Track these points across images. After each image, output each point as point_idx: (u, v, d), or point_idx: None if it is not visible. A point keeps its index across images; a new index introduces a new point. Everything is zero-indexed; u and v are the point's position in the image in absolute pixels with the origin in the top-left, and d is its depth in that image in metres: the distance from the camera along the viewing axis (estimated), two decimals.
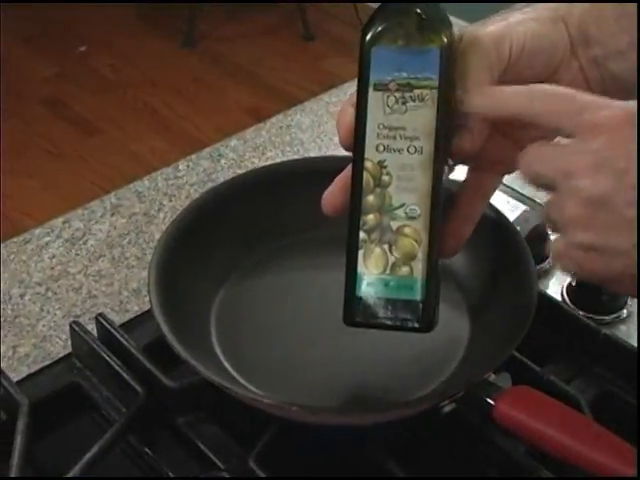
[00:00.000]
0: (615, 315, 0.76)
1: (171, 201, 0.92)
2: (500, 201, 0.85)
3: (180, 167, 0.97)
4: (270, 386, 0.63)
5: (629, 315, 0.76)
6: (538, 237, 0.79)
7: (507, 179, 0.92)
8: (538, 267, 0.77)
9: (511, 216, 0.73)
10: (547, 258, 0.80)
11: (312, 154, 0.98)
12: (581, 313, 0.74)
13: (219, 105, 2.85)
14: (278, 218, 0.74)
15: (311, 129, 1.03)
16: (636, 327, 0.75)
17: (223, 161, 0.98)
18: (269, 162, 0.95)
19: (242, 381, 0.64)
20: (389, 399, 0.64)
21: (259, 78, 2.98)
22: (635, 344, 0.71)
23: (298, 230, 0.74)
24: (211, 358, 0.65)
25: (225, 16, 3.25)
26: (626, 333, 0.74)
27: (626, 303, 0.76)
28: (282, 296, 0.72)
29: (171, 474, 0.64)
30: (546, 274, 0.79)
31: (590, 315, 0.75)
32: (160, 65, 3.05)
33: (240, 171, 0.94)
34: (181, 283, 0.68)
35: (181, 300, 0.66)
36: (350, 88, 1.11)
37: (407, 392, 0.63)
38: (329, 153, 0.98)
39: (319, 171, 0.75)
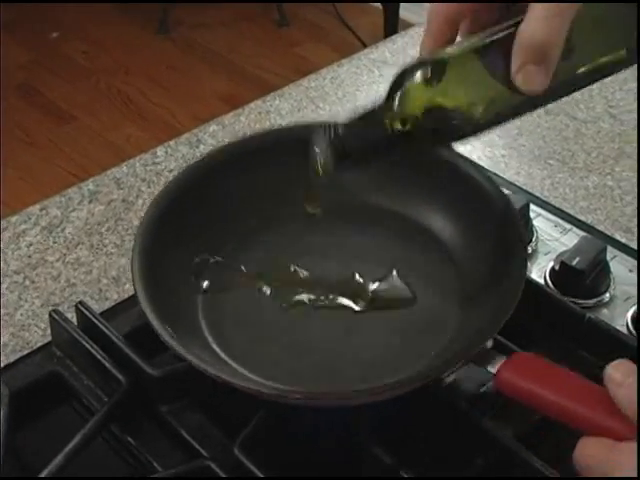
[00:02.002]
0: (598, 299, 0.76)
1: (150, 187, 0.91)
2: None
3: (158, 153, 0.96)
4: (258, 369, 0.63)
5: (611, 299, 0.76)
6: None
7: (489, 164, 0.91)
8: None
9: None
10: (529, 242, 0.80)
11: None
12: (564, 297, 0.74)
13: (194, 92, 2.84)
14: (257, 193, 0.73)
15: (290, 114, 1.02)
16: (619, 311, 0.75)
17: (202, 147, 0.97)
18: None
19: (234, 365, 0.63)
20: (375, 381, 0.63)
21: (234, 65, 2.96)
22: (619, 327, 0.71)
23: (279, 204, 0.72)
24: (200, 343, 0.65)
25: (200, 3, 3.23)
26: (609, 317, 0.74)
27: (609, 287, 0.76)
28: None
29: (155, 463, 0.63)
30: (529, 258, 0.79)
31: (573, 299, 0.75)
32: (134, 52, 3.03)
33: None
34: (165, 267, 0.67)
35: (166, 284, 0.65)
36: (328, 73, 1.10)
37: (393, 373, 0.63)
38: None
39: (295, 141, 0.74)
